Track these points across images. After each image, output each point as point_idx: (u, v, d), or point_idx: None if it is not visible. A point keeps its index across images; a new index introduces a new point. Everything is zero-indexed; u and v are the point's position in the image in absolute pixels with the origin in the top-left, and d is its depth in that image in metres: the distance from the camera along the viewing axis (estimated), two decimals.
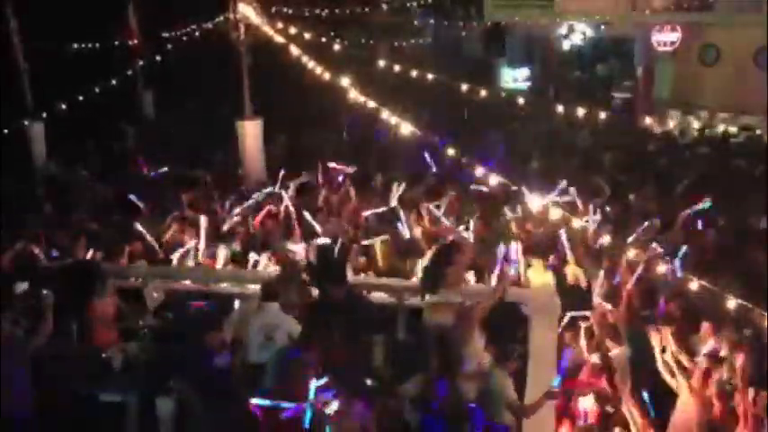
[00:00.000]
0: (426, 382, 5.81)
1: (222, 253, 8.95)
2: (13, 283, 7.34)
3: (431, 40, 26.03)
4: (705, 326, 7.13)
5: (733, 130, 17.90)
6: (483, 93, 13.04)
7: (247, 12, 12.55)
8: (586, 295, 8.10)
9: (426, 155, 12.57)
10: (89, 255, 8.67)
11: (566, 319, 7.53)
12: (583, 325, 7.59)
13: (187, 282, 8.48)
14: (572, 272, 8.59)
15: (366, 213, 10.08)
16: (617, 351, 7.05)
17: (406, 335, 7.46)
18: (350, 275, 7.87)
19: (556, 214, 7.20)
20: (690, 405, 6.21)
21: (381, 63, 13.57)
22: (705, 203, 9.95)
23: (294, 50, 11.35)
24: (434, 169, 12.44)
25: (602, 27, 23.69)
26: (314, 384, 4.97)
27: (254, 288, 7.64)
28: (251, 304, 7.41)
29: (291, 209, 9.96)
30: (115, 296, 7.18)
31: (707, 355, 6.62)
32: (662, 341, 6.70)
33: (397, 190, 10.76)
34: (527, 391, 6.08)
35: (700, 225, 10.16)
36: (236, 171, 13.41)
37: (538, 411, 5.74)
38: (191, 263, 8.88)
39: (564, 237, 8.73)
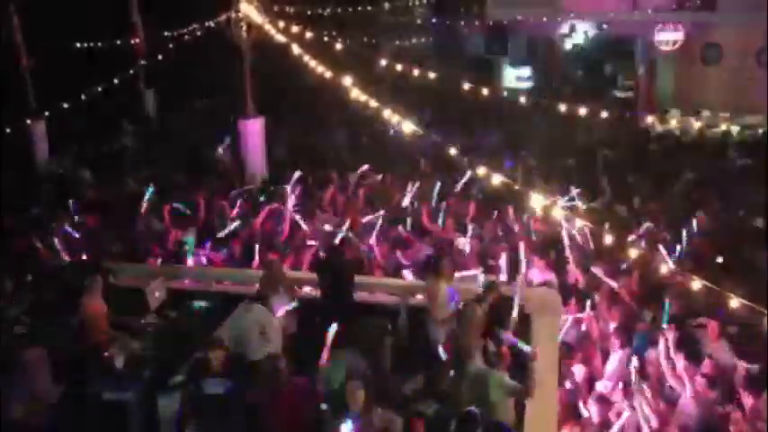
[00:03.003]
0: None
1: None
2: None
3: (433, 38, 26.01)
4: (711, 328, 7.12)
5: (735, 129, 17.89)
6: (485, 91, 13.01)
7: (249, 11, 12.55)
8: (585, 296, 8.11)
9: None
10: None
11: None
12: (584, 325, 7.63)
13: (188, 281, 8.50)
14: (573, 272, 8.61)
15: (367, 218, 10.04)
16: (621, 353, 7.07)
17: (407, 334, 7.47)
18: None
19: (558, 214, 7.19)
20: (691, 407, 6.22)
21: (383, 62, 13.55)
22: None
23: (296, 49, 11.34)
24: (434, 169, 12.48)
25: (605, 26, 23.65)
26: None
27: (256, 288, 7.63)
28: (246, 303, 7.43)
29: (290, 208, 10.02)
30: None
31: (711, 359, 6.63)
32: (666, 344, 6.70)
33: (411, 189, 10.88)
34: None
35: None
36: (239, 170, 13.43)
37: (540, 411, 5.76)
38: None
39: (566, 237, 8.76)
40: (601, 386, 6.93)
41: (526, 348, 5.82)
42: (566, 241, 8.79)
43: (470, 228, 9.54)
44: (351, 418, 5.24)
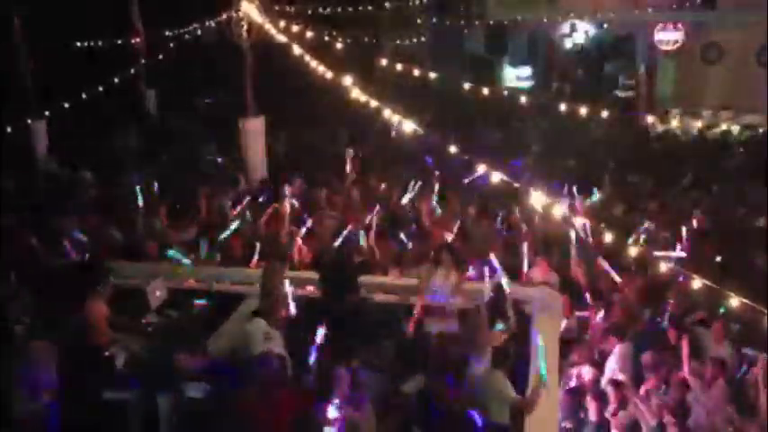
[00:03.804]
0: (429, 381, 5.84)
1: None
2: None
3: (433, 38, 26.00)
4: (715, 328, 7.12)
5: (735, 128, 17.92)
6: (485, 91, 13.02)
7: (250, 10, 12.55)
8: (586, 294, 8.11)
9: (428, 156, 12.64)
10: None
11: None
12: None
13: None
14: (576, 271, 8.61)
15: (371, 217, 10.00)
16: (620, 347, 7.08)
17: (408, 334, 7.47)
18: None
19: (559, 213, 7.19)
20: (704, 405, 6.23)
21: (384, 62, 13.57)
22: None
23: (296, 49, 11.34)
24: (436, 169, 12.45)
25: (605, 26, 23.67)
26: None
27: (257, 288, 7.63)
28: (249, 304, 7.44)
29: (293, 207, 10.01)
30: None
31: (713, 359, 6.63)
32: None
33: (412, 188, 10.88)
34: (529, 390, 6.08)
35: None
36: (239, 169, 13.43)
37: (541, 410, 5.75)
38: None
39: (571, 236, 8.75)
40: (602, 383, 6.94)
41: (544, 373, 5.76)
42: (570, 240, 8.79)
43: (456, 224, 9.53)
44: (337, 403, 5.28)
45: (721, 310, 7.04)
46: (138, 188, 10.33)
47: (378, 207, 10.12)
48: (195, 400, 5.88)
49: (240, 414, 5.52)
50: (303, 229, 9.39)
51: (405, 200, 10.90)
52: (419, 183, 11.28)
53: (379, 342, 6.72)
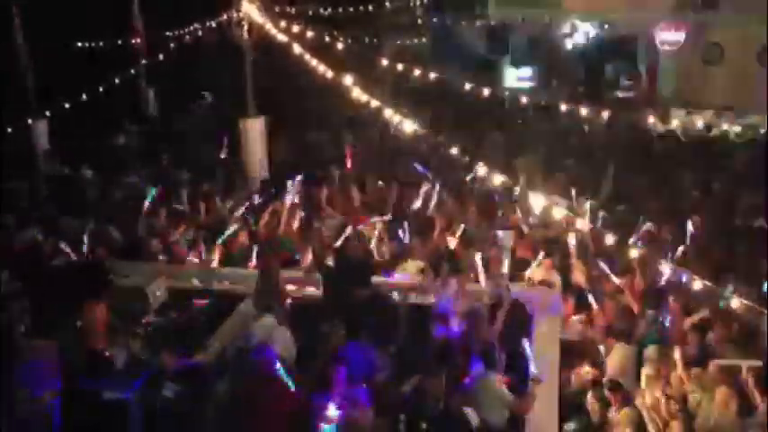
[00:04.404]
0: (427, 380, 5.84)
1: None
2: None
3: (433, 38, 25.99)
4: (717, 330, 7.12)
5: (736, 129, 17.89)
6: (486, 92, 13.02)
7: (250, 10, 12.56)
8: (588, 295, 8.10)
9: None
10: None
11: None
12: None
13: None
14: (577, 272, 8.60)
15: (374, 219, 9.97)
16: (620, 347, 7.08)
17: (408, 334, 7.47)
18: None
19: (559, 214, 7.21)
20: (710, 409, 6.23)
21: (384, 62, 13.58)
22: None
23: (297, 49, 11.36)
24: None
25: (606, 26, 23.63)
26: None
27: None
28: (249, 304, 7.45)
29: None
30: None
31: (717, 361, 6.64)
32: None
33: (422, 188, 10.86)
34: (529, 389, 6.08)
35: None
36: (240, 169, 13.42)
37: (541, 411, 5.76)
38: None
39: (571, 238, 8.74)
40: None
41: (533, 370, 5.79)
42: (571, 241, 8.78)
43: (459, 229, 9.52)
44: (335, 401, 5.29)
45: (720, 305, 7.04)
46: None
47: (384, 210, 10.13)
48: (171, 400, 5.90)
49: (237, 408, 5.53)
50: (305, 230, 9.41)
51: (416, 205, 10.78)
52: (422, 184, 11.25)
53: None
